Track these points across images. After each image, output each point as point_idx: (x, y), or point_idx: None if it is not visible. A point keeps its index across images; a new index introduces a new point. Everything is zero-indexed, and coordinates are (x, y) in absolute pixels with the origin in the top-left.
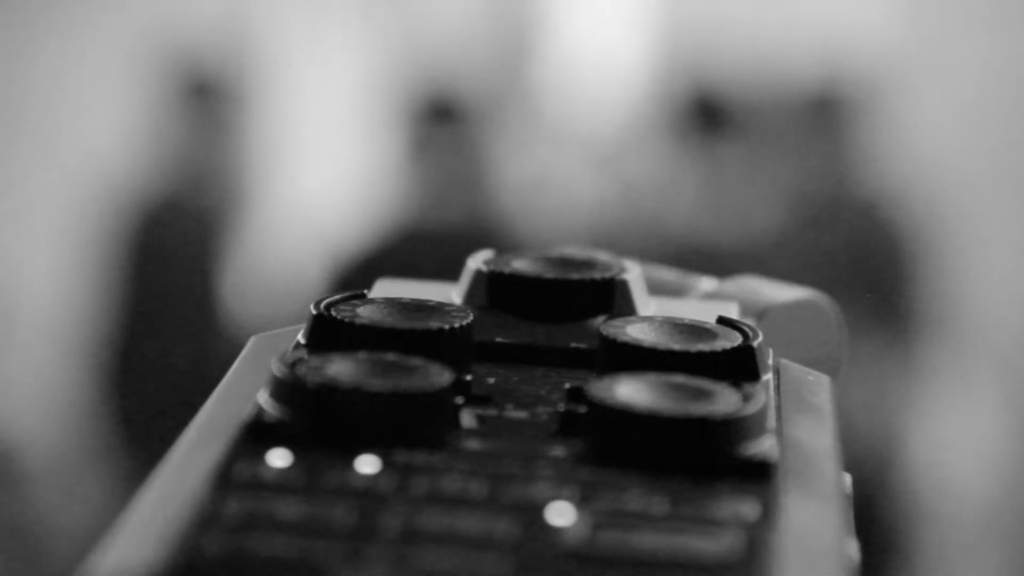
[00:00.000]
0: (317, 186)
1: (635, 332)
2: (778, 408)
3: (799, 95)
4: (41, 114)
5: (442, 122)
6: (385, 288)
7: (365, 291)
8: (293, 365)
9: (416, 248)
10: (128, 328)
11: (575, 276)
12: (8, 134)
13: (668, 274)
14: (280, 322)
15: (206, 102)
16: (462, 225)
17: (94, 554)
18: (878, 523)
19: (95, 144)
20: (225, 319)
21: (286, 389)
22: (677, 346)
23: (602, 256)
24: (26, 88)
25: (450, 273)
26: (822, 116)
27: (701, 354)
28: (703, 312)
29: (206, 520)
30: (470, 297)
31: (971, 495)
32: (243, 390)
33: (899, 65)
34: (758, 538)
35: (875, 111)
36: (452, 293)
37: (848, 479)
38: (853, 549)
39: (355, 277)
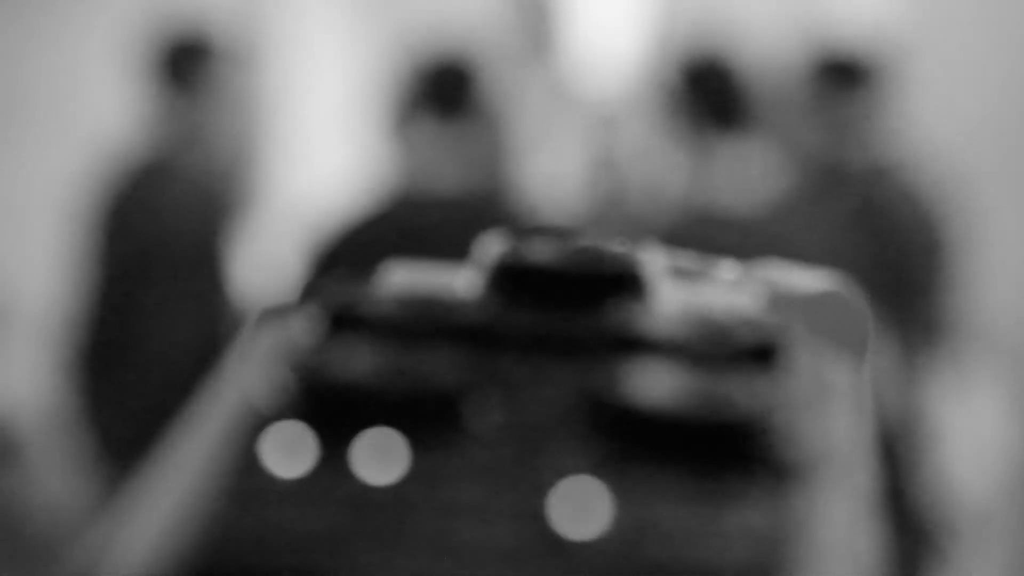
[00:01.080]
0: (319, 162)
1: (657, 325)
2: (809, 403)
3: (801, 72)
4: (41, 103)
5: (447, 93)
6: (393, 273)
7: (374, 279)
8: (299, 362)
9: (413, 218)
10: (127, 313)
11: (593, 264)
12: (7, 120)
13: (687, 260)
14: (280, 306)
15: (207, 82)
16: (460, 195)
17: (84, 559)
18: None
19: (95, 129)
20: (226, 303)
21: (290, 388)
22: (702, 339)
23: (620, 243)
24: (26, 75)
25: (446, 243)
26: (825, 92)
27: (728, 347)
28: (726, 300)
29: (207, 528)
30: (483, 285)
31: (975, 490)
32: (244, 387)
33: (902, 43)
34: (787, 541)
35: (879, 89)
36: (463, 279)
37: (879, 475)
38: (884, 546)
39: (350, 249)
